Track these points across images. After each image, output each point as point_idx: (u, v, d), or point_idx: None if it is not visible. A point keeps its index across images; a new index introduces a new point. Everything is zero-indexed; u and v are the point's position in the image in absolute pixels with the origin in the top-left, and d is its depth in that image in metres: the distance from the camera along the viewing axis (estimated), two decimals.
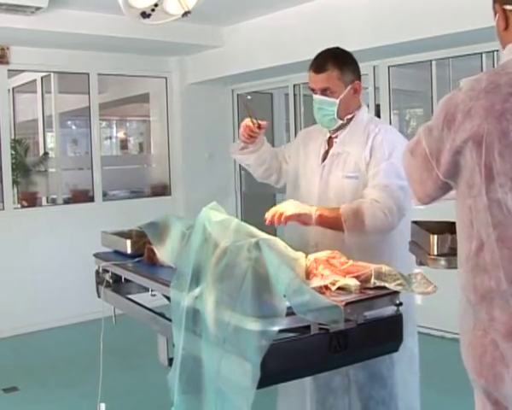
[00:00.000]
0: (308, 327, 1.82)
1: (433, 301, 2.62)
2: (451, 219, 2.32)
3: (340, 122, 2.52)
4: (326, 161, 2.56)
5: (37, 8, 4.81)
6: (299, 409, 2.66)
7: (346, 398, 2.48)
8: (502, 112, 1.43)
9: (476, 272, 1.50)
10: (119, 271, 2.62)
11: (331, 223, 2.33)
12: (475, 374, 1.53)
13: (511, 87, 1.46)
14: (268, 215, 2.32)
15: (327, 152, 2.59)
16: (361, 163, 2.45)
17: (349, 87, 2.49)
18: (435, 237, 1.95)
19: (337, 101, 2.47)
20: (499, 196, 1.44)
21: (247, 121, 2.61)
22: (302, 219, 2.32)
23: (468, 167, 1.49)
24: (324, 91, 2.48)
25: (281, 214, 2.29)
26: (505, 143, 1.43)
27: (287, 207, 2.32)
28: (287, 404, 2.77)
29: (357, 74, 2.55)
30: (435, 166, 1.58)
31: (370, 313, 1.95)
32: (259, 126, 2.61)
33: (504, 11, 1.58)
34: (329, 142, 2.61)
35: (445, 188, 1.63)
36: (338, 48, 2.60)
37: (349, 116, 2.53)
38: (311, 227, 2.40)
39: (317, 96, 2.50)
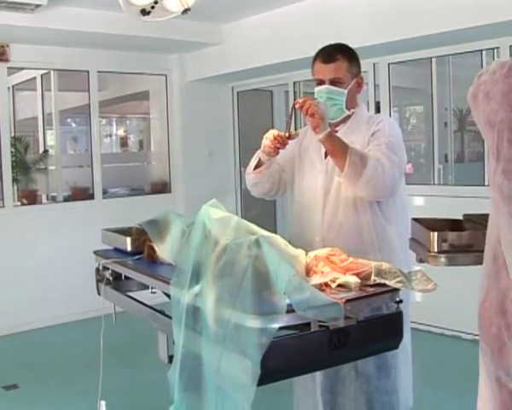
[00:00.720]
0: (308, 324, 1.82)
1: (433, 298, 2.63)
2: (451, 217, 2.33)
3: (347, 113, 2.54)
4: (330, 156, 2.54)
5: (37, 6, 4.81)
6: (309, 400, 2.68)
7: (352, 388, 2.48)
8: None
9: None
10: (119, 268, 2.62)
11: (338, 146, 2.35)
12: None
13: None
14: (301, 101, 2.33)
15: None
16: (365, 149, 2.45)
17: (354, 80, 2.53)
18: (435, 234, 1.96)
19: (346, 91, 2.50)
20: (499, 181, 1.44)
21: (274, 133, 2.48)
22: (319, 123, 2.30)
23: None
24: (333, 81, 2.50)
25: (310, 106, 2.28)
26: None
27: (320, 105, 2.32)
28: (299, 396, 2.79)
29: (360, 69, 2.59)
30: None
31: (371, 311, 1.95)
32: (289, 136, 2.50)
33: None
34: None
35: None
36: (342, 43, 2.62)
37: (353, 110, 2.55)
38: (317, 222, 2.42)
39: (325, 86, 2.51)
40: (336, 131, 2.53)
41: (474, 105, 1.51)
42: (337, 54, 2.51)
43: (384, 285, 1.92)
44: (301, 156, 2.67)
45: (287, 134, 2.47)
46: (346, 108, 2.52)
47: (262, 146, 2.55)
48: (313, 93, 2.59)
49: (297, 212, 2.65)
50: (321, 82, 2.53)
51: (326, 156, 2.55)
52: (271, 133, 2.48)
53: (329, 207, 2.51)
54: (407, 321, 2.55)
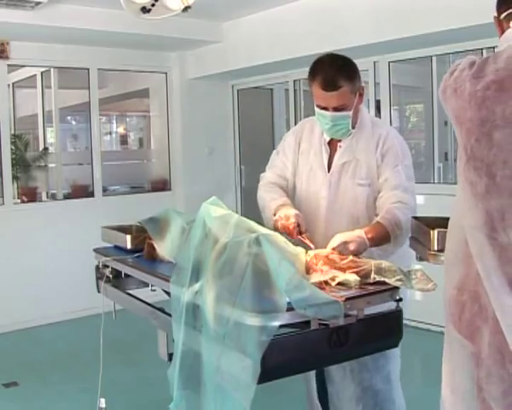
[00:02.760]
0: (308, 322, 1.82)
1: (432, 296, 2.62)
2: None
3: (352, 131, 2.48)
4: (334, 169, 2.50)
5: (37, 3, 4.80)
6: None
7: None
8: (483, 99, 1.45)
9: None
10: (119, 266, 2.62)
11: (380, 240, 2.28)
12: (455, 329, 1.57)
13: (495, 76, 1.46)
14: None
15: (330, 157, 2.53)
16: (372, 170, 2.43)
17: (357, 95, 2.42)
18: (435, 232, 1.96)
19: (350, 113, 2.41)
20: (472, 178, 1.46)
21: (294, 225, 2.34)
22: (352, 246, 2.17)
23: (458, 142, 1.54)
24: (337, 108, 2.39)
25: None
26: (483, 131, 1.45)
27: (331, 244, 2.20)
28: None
29: (361, 80, 2.47)
30: None
31: (370, 309, 1.95)
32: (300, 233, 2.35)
33: None
34: (330, 145, 2.55)
35: None
36: (338, 56, 2.46)
37: (358, 123, 2.50)
38: (320, 234, 2.38)
39: (329, 114, 2.39)
40: (340, 146, 2.50)
41: (443, 100, 1.55)
42: (339, 80, 2.34)
43: (384, 283, 1.93)
44: (299, 160, 2.62)
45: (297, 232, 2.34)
46: (352, 126, 2.45)
47: (276, 221, 2.41)
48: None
49: None
50: (325, 108, 2.40)
51: (329, 170, 2.51)
52: (293, 225, 2.34)
53: (332, 220, 2.48)
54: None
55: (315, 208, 2.51)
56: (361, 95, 2.45)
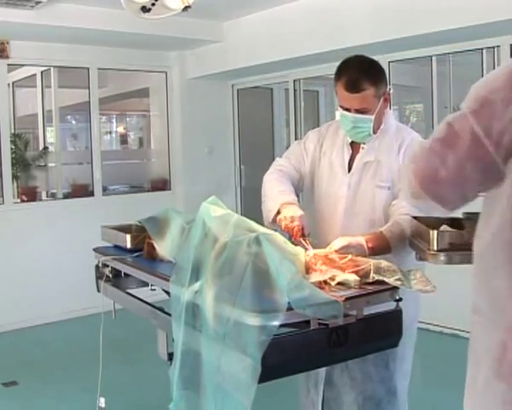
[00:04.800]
0: (308, 322, 1.82)
1: (432, 296, 2.62)
2: (451, 215, 2.33)
3: (374, 136, 2.45)
4: (354, 169, 2.47)
5: (37, 3, 4.81)
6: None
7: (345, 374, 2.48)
8: None
9: None
10: (118, 265, 2.62)
11: (380, 251, 2.24)
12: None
13: None
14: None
15: (352, 158, 2.50)
16: (394, 173, 2.39)
17: (381, 100, 2.39)
18: (435, 232, 1.96)
19: (373, 117, 2.38)
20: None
21: (298, 228, 2.30)
22: (352, 251, 2.16)
23: None
24: (360, 111, 2.37)
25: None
26: None
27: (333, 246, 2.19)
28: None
29: (387, 84, 2.43)
30: (493, 151, 1.26)
31: (370, 309, 1.95)
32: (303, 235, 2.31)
33: None
34: (353, 146, 2.52)
35: (489, 184, 1.34)
36: (365, 58, 2.44)
37: (382, 127, 2.46)
38: (336, 235, 2.33)
39: (351, 115, 2.37)
40: (363, 147, 2.47)
41: None
42: (363, 82, 2.31)
43: (383, 283, 1.93)
44: (321, 160, 2.58)
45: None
46: (374, 131, 2.42)
47: (280, 220, 2.37)
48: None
49: (316, 219, 2.55)
50: (347, 109, 2.38)
51: (350, 170, 2.48)
52: (297, 234, 2.30)
53: (349, 222, 2.45)
54: (415, 320, 2.55)
55: (333, 209, 2.48)
56: (386, 100, 2.42)
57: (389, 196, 2.40)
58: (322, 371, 2.48)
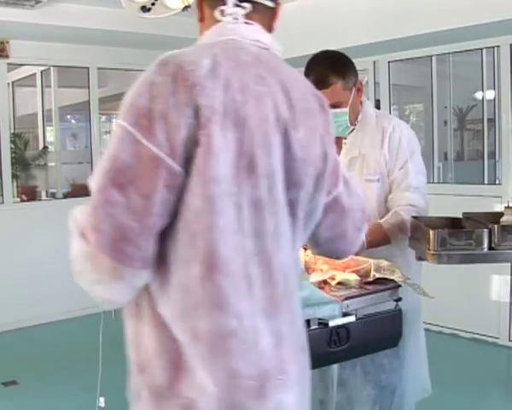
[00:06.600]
0: (308, 322, 1.82)
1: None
2: (451, 215, 2.33)
3: (352, 127, 2.45)
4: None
5: (37, 2, 4.80)
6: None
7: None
8: None
9: None
10: None
11: (379, 244, 2.26)
12: None
13: None
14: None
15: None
16: (381, 165, 2.39)
17: (353, 91, 2.39)
18: (435, 232, 1.96)
19: (347, 109, 2.38)
20: None
21: None
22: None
23: None
24: (333, 105, 2.33)
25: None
26: None
27: None
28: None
29: (356, 74, 2.44)
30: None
31: (370, 308, 1.95)
32: None
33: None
34: (337, 143, 2.54)
35: None
36: (331, 53, 2.45)
37: (359, 117, 2.47)
38: None
39: None
40: (345, 143, 2.47)
41: None
42: (330, 76, 2.32)
43: (383, 283, 1.93)
44: None
45: None
46: (351, 122, 2.42)
47: None
48: None
49: None
50: None
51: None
52: None
53: None
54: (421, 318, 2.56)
55: None
56: (359, 90, 2.43)
57: (380, 188, 2.40)
58: (335, 370, 2.48)
